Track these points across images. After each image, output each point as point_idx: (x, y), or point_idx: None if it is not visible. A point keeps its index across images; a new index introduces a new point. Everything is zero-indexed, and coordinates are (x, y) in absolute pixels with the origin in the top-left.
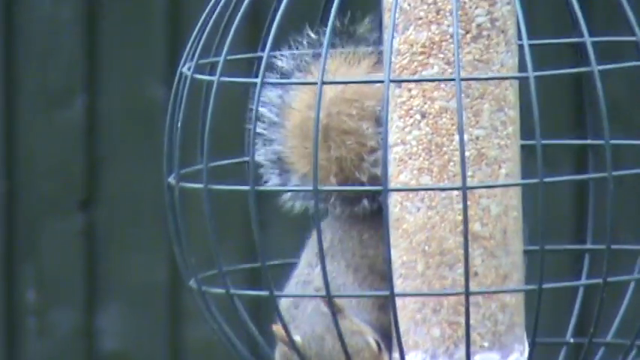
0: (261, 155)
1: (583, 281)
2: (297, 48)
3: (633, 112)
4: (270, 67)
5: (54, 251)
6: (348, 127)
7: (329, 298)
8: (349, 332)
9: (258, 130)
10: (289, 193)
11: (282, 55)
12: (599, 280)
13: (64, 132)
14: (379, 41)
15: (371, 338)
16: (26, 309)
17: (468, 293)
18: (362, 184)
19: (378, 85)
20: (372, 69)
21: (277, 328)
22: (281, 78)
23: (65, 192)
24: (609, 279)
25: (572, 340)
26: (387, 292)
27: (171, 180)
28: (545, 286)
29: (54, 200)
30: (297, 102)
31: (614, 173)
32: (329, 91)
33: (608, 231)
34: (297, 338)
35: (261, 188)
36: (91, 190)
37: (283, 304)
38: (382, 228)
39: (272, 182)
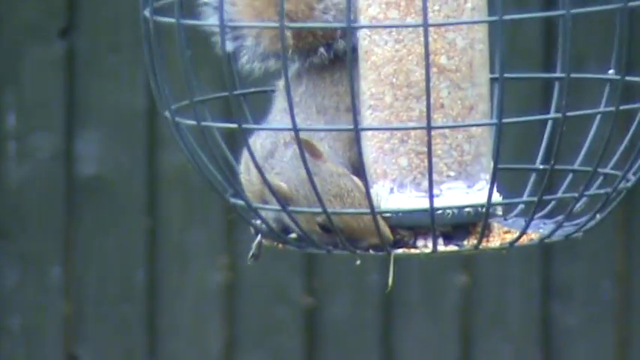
0: (210, 24)
1: (541, 116)
2: None
3: None
4: None
5: (34, 77)
6: None
7: (295, 133)
8: (335, 174)
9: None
10: (245, 57)
11: None
12: (559, 115)
13: None
14: None
15: (357, 179)
16: (7, 134)
17: (430, 128)
18: (315, 35)
19: None
20: None
21: (272, 178)
22: None
23: (46, 19)
24: (569, 113)
25: (540, 167)
26: (351, 127)
27: (147, 13)
28: (505, 121)
29: (35, 27)
30: None
31: (573, 11)
32: None
33: (568, 64)
34: (282, 184)
35: (231, 24)
36: (71, 17)
37: (259, 153)
38: (347, 64)
39: (227, 47)
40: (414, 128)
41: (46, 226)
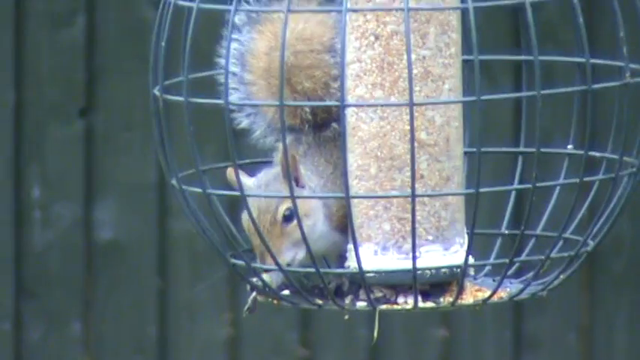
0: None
1: (514, 186)
2: (247, 3)
3: (564, 33)
4: (226, 23)
5: (57, 153)
6: (312, 62)
7: (292, 200)
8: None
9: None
10: (259, 131)
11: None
12: (529, 186)
13: (66, 48)
14: None
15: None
16: (32, 204)
17: (414, 196)
18: (329, 111)
19: (331, 22)
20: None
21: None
22: (235, 32)
23: (67, 101)
24: (538, 184)
25: (506, 232)
26: (342, 195)
27: (156, 91)
28: (481, 190)
29: (57, 108)
30: (259, 48)
31: (543, 92)
32: (289, 33)
33: (537, 140)
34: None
35: (234, 102)
36: (90, 99)
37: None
38: (342, 138)
39: (243, 124)
40: (399, 196)
41: (68, 286)
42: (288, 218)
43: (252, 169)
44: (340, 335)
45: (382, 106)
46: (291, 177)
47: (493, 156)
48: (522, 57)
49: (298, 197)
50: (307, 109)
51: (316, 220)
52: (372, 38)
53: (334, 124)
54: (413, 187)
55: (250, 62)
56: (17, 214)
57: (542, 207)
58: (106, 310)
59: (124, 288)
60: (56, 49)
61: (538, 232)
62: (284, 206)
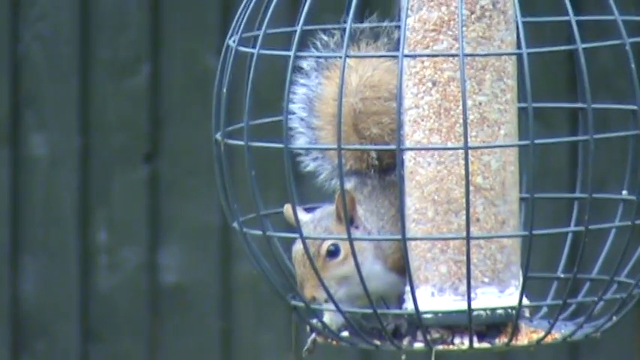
0: (296, 145)
1: (567, 228)
2: (315, 49)
3: (619, 80)
4: (294, 69)
5: (123, 198)
6: (379, 109)
7: (350, 242)
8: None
9: (293, 124)
10: (324, 174)
11: (303, 57)
12: (582, 228)
13: (131, 95)
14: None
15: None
16: (99, 248)
17: (469, 238)
18: (393, 156)
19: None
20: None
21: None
22: (303, 77)
23: (132, 147)
24: (590, 227)
25: (561, 275)
26: (399, 237)
27: (218, 136)
28: (535, 232)
29: (123, 154)
30: (327, 94)
31: (595, 136)
32: (355, 79)
33: (589, 184)
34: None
35: (293, 146)
36: (154, 144)
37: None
38: (398, 180)
39: (310, 167)
40: (454, 238)
41: (134, 330)
42: (332, 254)
43: (312, 209)
44: None
45: (437, 149)
46: (347, 216)
47: (550, 202)
48: (575, 104)
49: (356, 239)
50: (374, 154)
51: (363, 260)
52: (430, 84)
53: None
54: (468, 230)
55: (318, 107)
56: (84, 258)
57: (599, 251)
58: (172, 354)
59: (188, 331)
60: (121, 96)
61: (592, 275)
62: (329, 242)
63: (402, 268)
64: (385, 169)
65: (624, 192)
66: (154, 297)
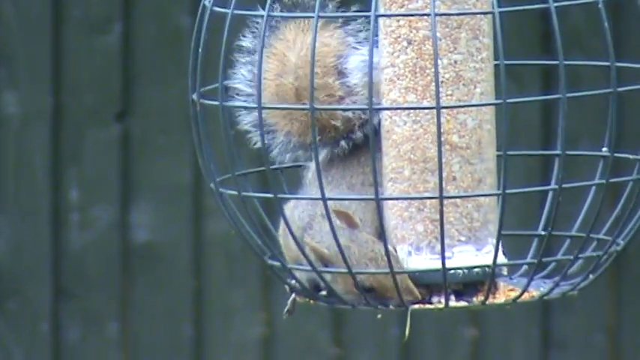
0: (246, 123)
1: (540, 187)
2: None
3: (591, 39)
4: (238, 49)
5: (94, 156)
6: (316, 85)
7: (324, 202)
8: (370, 242)
9: (240, 102)
10: (276, 149)
11: (244, 36)
12: (556, 187)
13: (103, 54)
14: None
15: (391, 247)
16: (70, 206)
17: (442, 197)
18: (337, 128)
19: (335, 44)
20: (329, 33)
21: (308, 241)
22: (246, 56)
23: (104, 105)
24: (564, 185)
25: (538, 233)
26: (373, 197)
27: (194, 97)
28: (508, 191)
29: (94, 112)
30: (268, 72)
31: (568, 95)
32: (292, 58)
33: (562, 142)
34: (323, 249)
35: (268, 107)
36: (126, 103)
37: (297, 223)
38: (370, 142)
39: (259, 144)
40: (427, 198)
41: (105, 287)
42: None
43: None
44: (372, 334)
45: (409, 109)
46: (320, 176)
47: (524, 160)
48: (548, 62)
49: (330, 199)
50: (339, 124)
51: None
52: (405, 43)
53: (342, 142)
54: (441, 189)
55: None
56: (55, 216)
57: (577, 210)
58: (143, 311)
59: (160, 289)
60: (93, 55)
61: (571, 233)
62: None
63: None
64: (330, 143)
65: (604, 149)
66: (126, 255)
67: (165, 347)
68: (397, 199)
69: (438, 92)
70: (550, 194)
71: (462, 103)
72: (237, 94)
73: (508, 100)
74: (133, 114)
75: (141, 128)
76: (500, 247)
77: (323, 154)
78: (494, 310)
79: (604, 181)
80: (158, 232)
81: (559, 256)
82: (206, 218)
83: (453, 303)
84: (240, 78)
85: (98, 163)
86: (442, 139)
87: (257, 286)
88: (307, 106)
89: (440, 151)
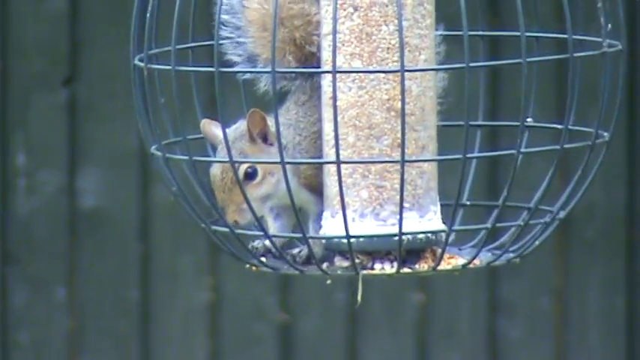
0: (233, 55)
1: (501, 152)
2: None
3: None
4: None
5: (41, 121)
6: (294, 12)
7: (282, 166)
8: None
9: (227, 34)
10: (263, 82)
11: None
12: (514, 152)
13: (50, 19)
14: None
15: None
16: (17, 171)
17: (404, 161)
18: (314, 53)
19: None
20: None
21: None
22: None
23: (51, 70)
24: (522, 150)
25: (490, 203)
26: (334, 160)
27: (137, 61)
28: (469, 156)
29: (41, 77)
30: (252, 1)
31: (528, 59)
32: None
33: (522, 111)
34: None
35: (225, 70)
36: (73, 68)
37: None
38: (319, 104)
39: (246, 76)
40: (390, 162)
41: (52, 252)
42: (249, 175)
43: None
44: (319, 300)
45: (375, 72)
46: (280, 142)
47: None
48: (493, 33)
49: (289, 163)
50: (290, 57)
51: (281, 177)
52: (351, 10)
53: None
54: (402, 153)
55: (244, 13)
56: (2, 181)
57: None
58: (90, 276)
59: (107, 254)
60: (40, 19)
61: (522, 204)
62: (245, 165)
63: (314, 187)
64: (306, 58)
65: (529, 119)
66: (73, 220)
67: (112, 312)
68: (358, 162)
69: (402, 54)
70: (474, 163)
71: (425, 67)
72: (224, 25)
73: (471, 64)
74: (79, 79)
75: (88, 93)
76: (440, 214)
77: (298, 83)
78: (441, 276)
79: (558, 147)
80: (105, 198)
81: (506, 224)
82: (153, 184)
83: (401, 269)
84: (229, 10)
85: (45, 128)
86: (388, 105)
87: (204, 251)
88: (269, 69)
89: (403, 115)
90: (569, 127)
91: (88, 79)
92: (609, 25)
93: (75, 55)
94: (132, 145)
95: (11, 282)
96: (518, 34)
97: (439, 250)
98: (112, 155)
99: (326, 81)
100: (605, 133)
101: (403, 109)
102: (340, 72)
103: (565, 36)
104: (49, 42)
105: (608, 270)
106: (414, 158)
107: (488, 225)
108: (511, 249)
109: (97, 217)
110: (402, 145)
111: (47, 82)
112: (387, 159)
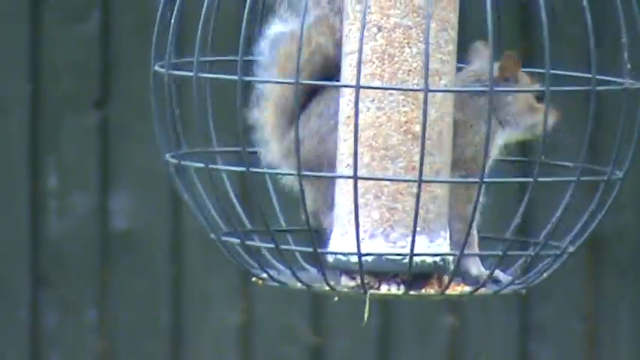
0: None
1: (517, 179)
2: None
3: (572, 25)
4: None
5: (73, 143)
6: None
7: (299, 179)
8: None
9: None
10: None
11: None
12: (531, 180)
13: (82, 42)
14: None
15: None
16: (49, 193)
17: (421, 181)
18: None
19: None
20: None
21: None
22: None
23: (83, 93)
24: (540, 179)
25: (506, 238)
26: (350, 175)
27: (157, 68)
28: (485, 180)
29: (73, 100)
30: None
31: (552, 88)
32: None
33: (542, 140)
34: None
35: (248, 79)
36: (104, 91)
37: None
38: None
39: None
40: (406, 180)
41: (83, 274)
42: None
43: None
44: (350, 323)
45: (397, 90)
46: (300, 157)
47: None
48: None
49: (305, 175)
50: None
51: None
52: (375, 29)
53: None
54: (421, 172)
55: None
56: (34, 203)
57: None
58: (121, 297)
59: (138, 275)
60: (72, 42)
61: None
62: None
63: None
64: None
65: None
66: (104, 242)
67: (143, 333)
68: (373, 179)
69: (426, 73)
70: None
71: (446, 88)
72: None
73: (495, 89)
74: (111, 100)
75: (120, 115)
76: (449, 240)
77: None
78: (473, 300)
79: (574, 178)
80: (137, 219)
81: (516, 253)
82: (185, 205)
83: (403, 292)
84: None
85: (77, 149)
86: (405, 128)
87: (236, 273)
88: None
89: (424, 136)
90: (585, 164)
91: (120, 100)
92: (628, 65)
93: (106, 76)
94: (164, 167)
95: (42, 304)
96: (543, 71)
97: (446, 277)
98: (143, 176)
99: (344, 100)
100: (619, 172)
101: (424, 128)
102: (363, 87)
103: (589, 75)
104: (80, 64)
105: (639, 293)
106: (439, 178)
107: (500, 252)
108: (517, 281)
109: (128, 238)
110: (421, 165)
111: (79, 104)
112: (406, 178)
